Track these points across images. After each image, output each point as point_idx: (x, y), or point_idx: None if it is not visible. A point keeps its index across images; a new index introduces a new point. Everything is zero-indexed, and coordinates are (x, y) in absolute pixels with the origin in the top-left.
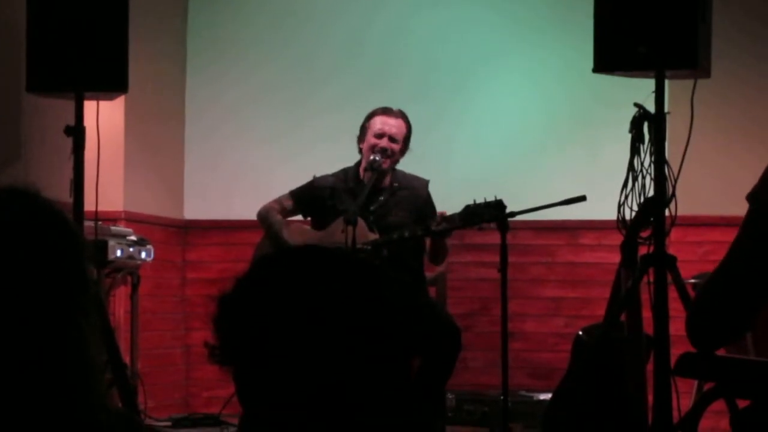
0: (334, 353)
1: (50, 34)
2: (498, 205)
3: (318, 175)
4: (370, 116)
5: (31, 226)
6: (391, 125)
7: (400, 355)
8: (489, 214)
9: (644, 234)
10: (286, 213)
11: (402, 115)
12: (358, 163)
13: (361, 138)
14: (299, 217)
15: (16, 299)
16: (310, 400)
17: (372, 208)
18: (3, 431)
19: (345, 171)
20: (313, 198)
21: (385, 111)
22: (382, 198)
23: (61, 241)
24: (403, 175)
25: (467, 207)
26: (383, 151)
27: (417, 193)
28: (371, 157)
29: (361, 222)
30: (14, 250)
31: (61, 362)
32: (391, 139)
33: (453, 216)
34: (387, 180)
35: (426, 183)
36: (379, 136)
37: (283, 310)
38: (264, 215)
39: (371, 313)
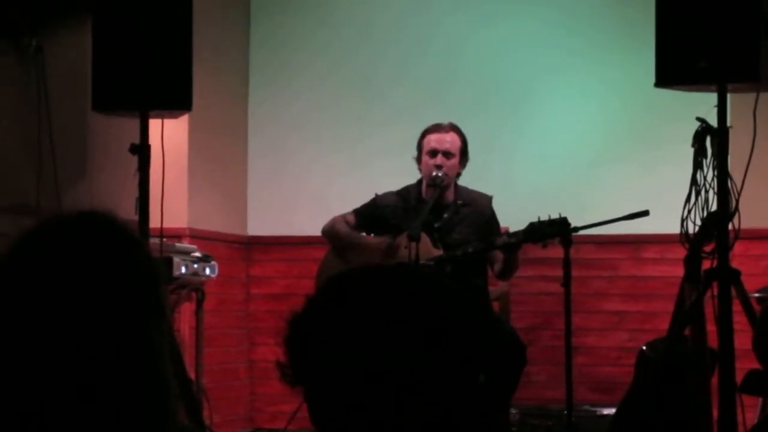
0: (406, 371)
1: (116, 54)
2: (562, 223)
3: (379, 192)
4: (422, 135)
5: (110, 250)
6: (444, 141)
7: (470, 372)
8: (553, 231)
9: (707, 248)
10: (350, 227)
11: (453, 128)
12: (420, 181)
13: (418, 158)
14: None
15: (97, 319)
16: (383, 420)
17: (436, 225)
18: None
19: (407, 189)
20: (375, 217)
21: (436, 128)
22: (446, 215)
23: (138, 265)
24: (467, 191)
25: (531, 224)
26: (439, 168)
27: (481, 210)
28: (433, 174)
29: (425, 238)
30: (94, 273)
31: (138, 379)
32: (446, 154)
33: (517, 233)
34: (450, 196)
35: (489, 199)
36: (433, 153)
37: (355, 330)
38: (330, 228)
39: (442, 331)
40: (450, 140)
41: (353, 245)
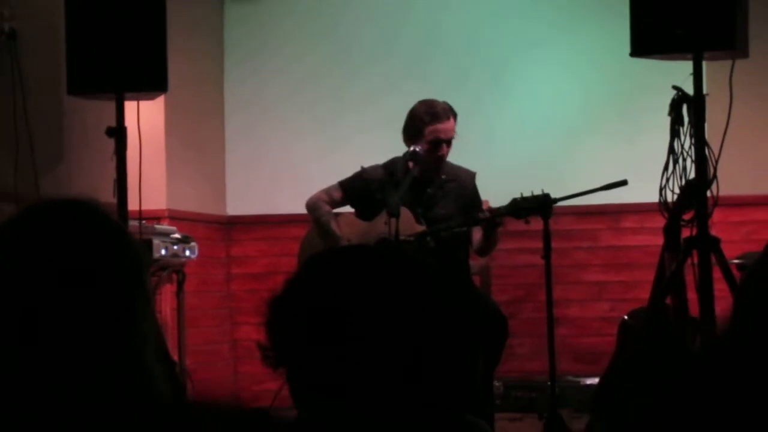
0: (387, 351)
1: (89, 37)
2: (545, 199)
3: (366, 165)
4: (423, 124)
5: (94, 238)
6: (449, 131)
7: (452, 349)
8: (535, 207)
9: (687, 216)
10: (335, 204)
11: (450, 112)
12: (407, 156)
13: (411, 138)
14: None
15: (82, 308)
16: (365, 399)
17: (421, 200)
18: (68, 429)
19: (394, 162)
20: (362, 190)
21: (436, 117)
22: (431, 190)
23: (123, 252)
24: (451, 166)
25: (514, 200)
26: (441, 158)
27: (464, 185)
28: (411, 148)
29: (408, 213)
30: (79, 262)
31: (125, 366)
32: (448, 142)
33: (499, 209)
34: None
35: (473, 175)
36: (437, 144)
37: (334, 311)
38: (312, 206)
39: (422, 309)
40: (452, 128)
41: (326, 236)
